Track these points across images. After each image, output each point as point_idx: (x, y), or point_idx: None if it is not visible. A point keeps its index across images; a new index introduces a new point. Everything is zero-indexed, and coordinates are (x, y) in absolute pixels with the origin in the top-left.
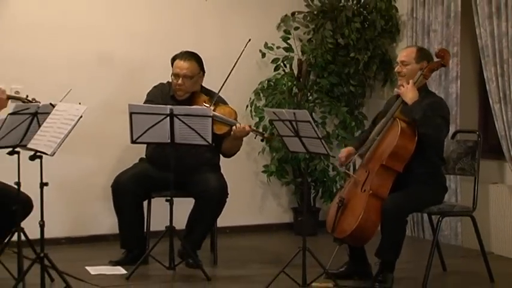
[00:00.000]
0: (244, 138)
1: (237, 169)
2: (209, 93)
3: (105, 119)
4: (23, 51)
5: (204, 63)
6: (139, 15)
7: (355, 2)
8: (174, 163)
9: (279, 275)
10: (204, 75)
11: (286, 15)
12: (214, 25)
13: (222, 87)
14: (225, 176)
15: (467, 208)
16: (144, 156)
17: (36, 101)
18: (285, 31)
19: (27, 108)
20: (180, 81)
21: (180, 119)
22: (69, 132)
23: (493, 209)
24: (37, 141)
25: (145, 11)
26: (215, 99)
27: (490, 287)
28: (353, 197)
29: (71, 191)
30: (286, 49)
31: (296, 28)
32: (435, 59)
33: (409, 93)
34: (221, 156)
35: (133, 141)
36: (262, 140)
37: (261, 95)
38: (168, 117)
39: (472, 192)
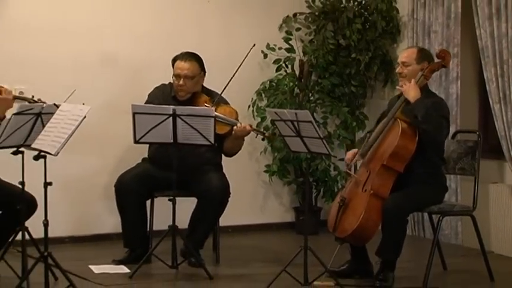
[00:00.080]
0: (246, 138)
1: (239, 169)
2: (210, 93)
3: (109, 119)
4: (27, 52)
5: (205, 63)
6: (143, 16)
7: (356, 3)
8: (176, 163)
9: (281, 273)
10: (205, 75)
11: (288, 16)
12: (217, 26)
13: (224, 89)
14: (227, 176)
15: (468, 207)
16: (147, 156)
17: (42, 102)
18: (286, 32)
19: (31, 109)
20: (181, 82)
21: (182, 119)
22: (73, 132)
23: (493, 208)
24: (41, 141)
25: (149, 12)
26: (216, 100)
27: (490, 285)
28: (354, 197)
29: (75, 190)
30: (288, 50)
31: (298, 29)
32: (436, 60)
33: (411, 91)
34: (223, 155)
35: (136, 141)
36: (263, 139)
37: (263, 95)
38: (171, 118)
39: (472, 192)
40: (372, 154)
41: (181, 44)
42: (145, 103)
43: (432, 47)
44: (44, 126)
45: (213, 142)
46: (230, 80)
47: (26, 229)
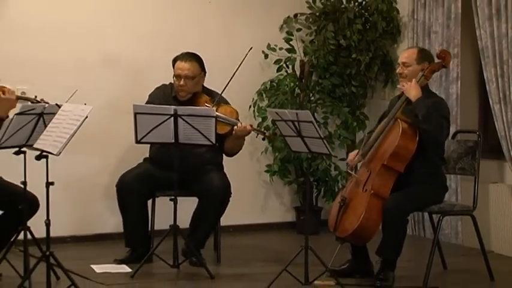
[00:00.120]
0: (247, 138)
1: (240, 169)
2: (210, 93)
3: (110, 120)
4: (29, 53)
5: (207, 63)
6: (144, 17)
7: (356, 3)
8: (177, 163)
9: (282, 273)
10: (205, 75)
11: (288, 17)
12: (218, 26)
13: (224, 89)
14: (228, 176)
15: (468, 207)
16: (148, 156)
17: (45, 102)
18: (287, 32)
19: (33, 109)
20: (182, 82)
21: (184, 119)
22: (75, 132)
23: (493, 208)
24: (43, 141)
25: (150, 12)
26: (217, 100)
27: (490, 285)
28: (355, 197)
29: (77, 190)
30: (288, 50)
31: (298, 29)
32: (436, 60)
33: (412, 90)
34: (224, 155)
35: (137, 141)
36: (263, 139)
37: (264, 95)
38: (172, 118)
39: (472, 192)
40: (372, 154)
41: (182, 45)
42: (145, 103)
43: (432, 47)
44: (46, 126)
45: (214, 142)
46: (229, 81)
47: (28, 229)
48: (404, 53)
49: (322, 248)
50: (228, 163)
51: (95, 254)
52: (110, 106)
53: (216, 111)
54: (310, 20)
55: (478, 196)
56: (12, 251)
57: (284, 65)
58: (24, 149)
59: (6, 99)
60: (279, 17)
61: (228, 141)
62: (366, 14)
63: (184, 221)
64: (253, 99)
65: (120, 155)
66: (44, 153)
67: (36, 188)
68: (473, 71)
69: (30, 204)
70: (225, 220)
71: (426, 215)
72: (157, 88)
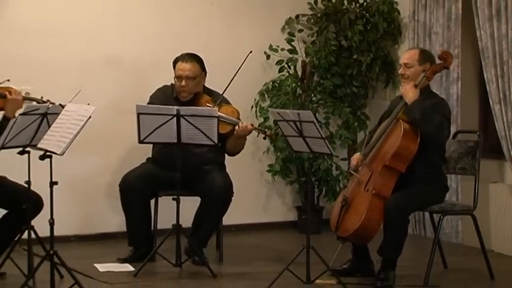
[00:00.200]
0: (249, 139)
1: (242, 168)
2: (211, 93)
3: (114, 120)
4: (33, 54)
5: (209, 64)
6: (147, 18)
7: (358, 5)
8: (180, 163)
9: (284, 272)
10: (206, 75)
11: (290, 18)
12: (221, 28)
13: (225, 90)
14: (230, 175)
15: (468, 207)
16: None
17: (51, 102)
18: (289, 33)
19: (37, 109)
20: (183, 83)
21: (186, 120)
22: (78, 132)
23: (493, 207)
24: (47, 141)
25: (153, 13)
26: (219, 100)
27: (490, 284)
28: (356, 196)
29: (80, 190)
30: (290, 51)
31: (300, 30)
32: (438, 61)
33: (409, 93)
34: (226, 155)
35: (140, 141)
36: (264, 138)
37: (266, 95)
38: (175, 118)
39: (472, 191)
40: (374, 154)
41: (185, 45)
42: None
43: (433, 48)
44: (49, 126)
45: (216, 142)
46: (230, 83)
47: (32, 228)
48: (406, 54)
49: (324, 247)
50: (230, 163)
51: (99, 253)
52: (114, 106)
53: (218, 111)
54: (312, 21)
55: (478, 196)
56: (16, 250)
57: (286, 66)
58: (28, 148)
59: (13, 100)
60: (281, 18)
61: (229, 141)
62: (367, 15)
63: (187, 220)
64: (255, 99)
65: (123, 155)
66: (48, 153)
67: (40, 187)
68: (473, 72)
69: (34, 203)
70: (227, 219)
71: (427, 214)
72: (158, 89)
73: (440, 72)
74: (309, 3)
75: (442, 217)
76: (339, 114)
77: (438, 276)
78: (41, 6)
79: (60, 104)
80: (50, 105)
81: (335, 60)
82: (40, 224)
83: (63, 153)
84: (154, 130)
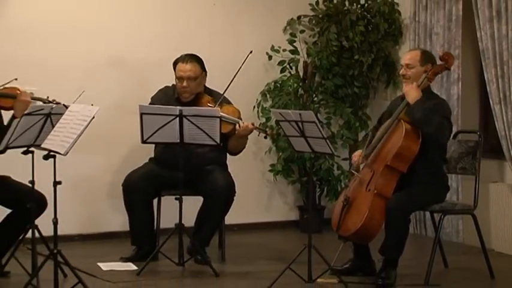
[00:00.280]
0: (251, 138)
1: (244, 168)
2: (211, 93)
3: (117, 120)
4: (38, 54)
5: (212, 64)
6: (151, 19)
7: (359, 6)
8: (183, 162)
9: (285, 271)
10: (206, 75)
11: (292, 19)
12: (223, 28)
13: (226, 90)
14: (232, 175)
15: (468, 206)
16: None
17: (57, 102)
18: (291, 34)
19: (41, 109)
20: (184, 84)
21: (189, 120)
22: (82, 132)
23: (494, 207)
24: (51, 141)
25: (156, 13)
26: (220, 100)
27: (490, 283)
28: (358, 196)
29: (84, 189)
30: (292, 52)
31: (302, 31)
32: (439, 62)
33: (412, 92)
34: (228, 155)
35: (143, 141)
36: (265, 137)
37: (268, 96)
38: (178, 118)
39: (473, 191)
40: (375, 154)
41: (188, 46)
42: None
43: (434, 49)
44: (53, 126)
45: (218, 142)
46: (230, 83)
47: (36, 227)
48: (408, 55)
49: (325, 246)
50: (232, 163)
51: (102, 252)
52: (117, 107)
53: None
54: (313, 22)
55: (478, 195)
56: (20, 249)
57: (288, 66)
58: (32, 148)
59: (23, 101)
60: (283, 19)
61: (231, 141)
62: (368, 16)
63: (190, 219)
64: (257, 99)
65: (126, 155)
66: (52, 153)
67: (43, 187)
68: (474, 72)
69: (38, 203)
70: (230, 219)
71: (427, 213)
72: (159, 90)
73: (441, 73)
74: (310, 4)
75: (442, 216)
76: (340, 115)
77: (439, 275)
78: (45, 7)
79: (63, 105)
80: (54, 105)
81: (336, 60)
82: (44, 224)
83: (67, 153)
84: (157, 130)
